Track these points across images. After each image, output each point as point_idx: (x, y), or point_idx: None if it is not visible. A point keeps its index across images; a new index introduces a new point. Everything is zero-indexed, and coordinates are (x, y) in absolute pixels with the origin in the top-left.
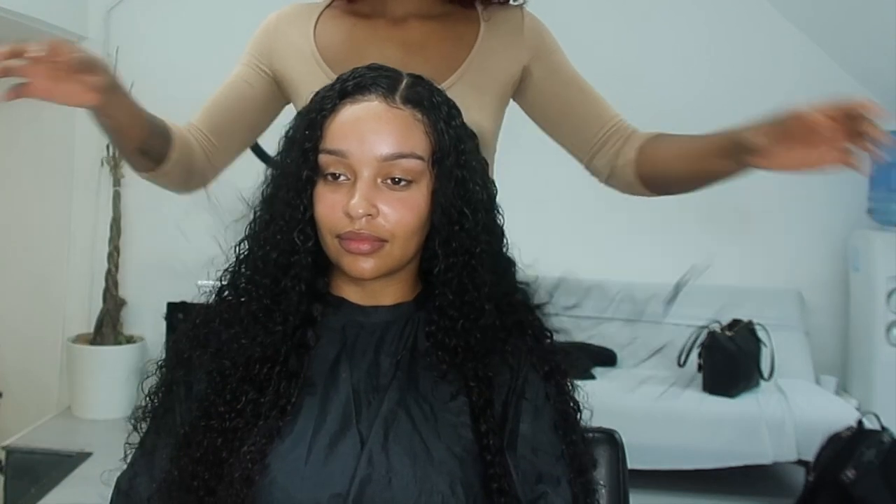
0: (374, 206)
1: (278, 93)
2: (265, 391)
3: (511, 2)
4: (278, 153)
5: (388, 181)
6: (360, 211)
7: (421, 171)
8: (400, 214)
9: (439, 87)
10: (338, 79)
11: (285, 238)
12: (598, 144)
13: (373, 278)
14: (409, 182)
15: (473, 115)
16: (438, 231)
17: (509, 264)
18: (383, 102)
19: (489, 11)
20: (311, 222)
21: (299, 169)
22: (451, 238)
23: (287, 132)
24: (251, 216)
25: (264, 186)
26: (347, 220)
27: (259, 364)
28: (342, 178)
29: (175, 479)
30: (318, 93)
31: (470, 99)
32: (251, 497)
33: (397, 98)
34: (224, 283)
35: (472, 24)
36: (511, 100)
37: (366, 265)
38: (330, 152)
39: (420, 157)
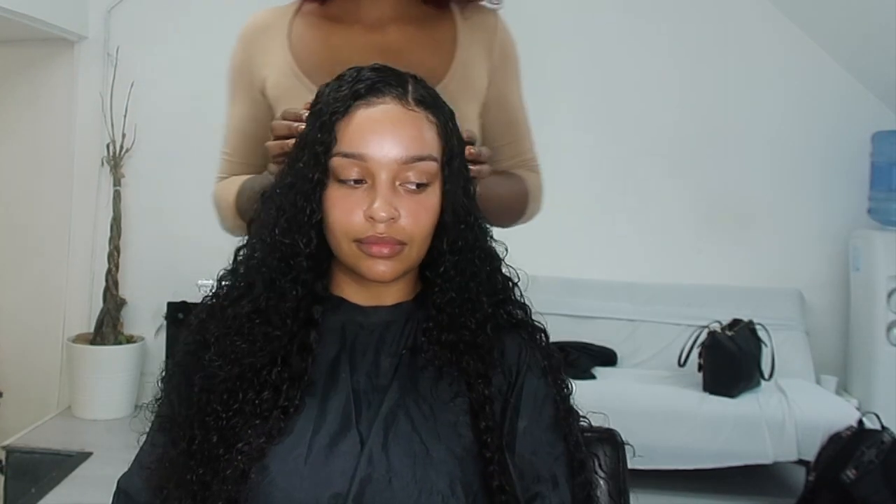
0: (395, 209)
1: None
2: (263, 392)
3: (487, 4)
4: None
5: (406, 184)
6: (384, 215)
7: (435, 173)
8: (418, 217)
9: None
10: (344, 79)
11: (287, 241)
12: None
13: (391, 281)
14: (426, 184)
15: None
16: (448, 231)
17: (498, 259)
18: (398, 104)
19: (468, 11)
20: (317, 226)
21: (310, 172)
22: (459, 237)
23: (306, 133)
24: (257, 215)
25: (273, 187)
26: (368, 224)
27: (259, 366)
28: (359, 181)
29: (167, 473)
30: (324, 92)
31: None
32: (250, 497)
33: (410, 100)
34: (224, 282)
35: (449, 28)
36: None
37: (386, 268)
38: (347, 156)
39: (435, 159)
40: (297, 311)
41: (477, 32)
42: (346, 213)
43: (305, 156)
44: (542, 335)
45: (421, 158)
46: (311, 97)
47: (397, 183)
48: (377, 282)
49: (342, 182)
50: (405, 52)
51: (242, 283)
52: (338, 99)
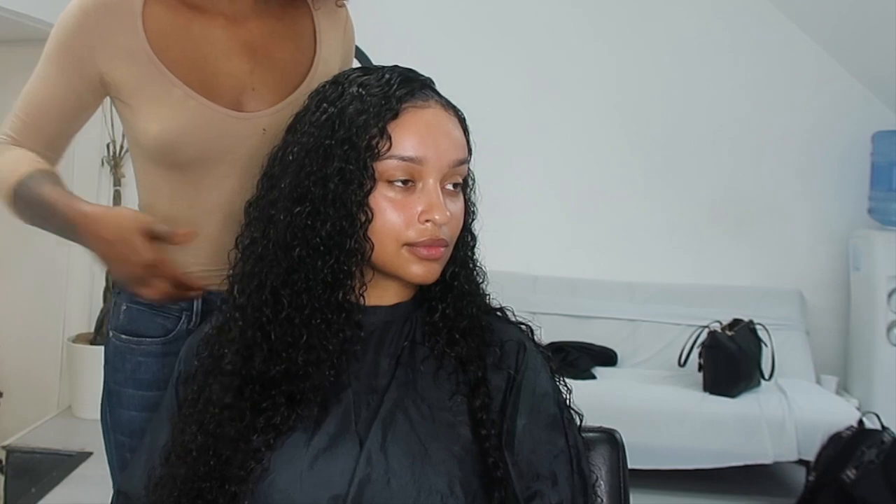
0: (448, 211)
1: (102, 91)
2: (257, 418)
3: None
4: (321, 156)
5: (449, 186)
6: (440, 218)
7: (465, 174)
8: (459, 217)
9: (291, 94)
10: (370, 80)
11: (339, 248)
12: None
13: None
14: (461, 185)
15: None
16: (463, 229)
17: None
18: (441, 107)
19: (319, 2)
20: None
21: (359, 177)
22: (468, 232)
23: (336, 132)
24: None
25: (304, 188)
26: (423, 228)
27: (256, 388)
28: (411, 184)
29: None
30: (353, 92)
31: None
32: (250, 499)
33: (445, 102)
34: (239, 289)
35: (308, 21)
36: None
37: (431, 270)
38: (404, 159)
39: (468, 161)
40: (351, 321)
41: (330, 25)
42: (401, 216)
43: (353, 159)
44: (531, 331)
45: (464, 161)
46: (175, 90)
47: (440, 185)
48: (419, 283)
49: (390, 185)
50: (270, 48)
51: (276, 292)
52: (385, 100)
